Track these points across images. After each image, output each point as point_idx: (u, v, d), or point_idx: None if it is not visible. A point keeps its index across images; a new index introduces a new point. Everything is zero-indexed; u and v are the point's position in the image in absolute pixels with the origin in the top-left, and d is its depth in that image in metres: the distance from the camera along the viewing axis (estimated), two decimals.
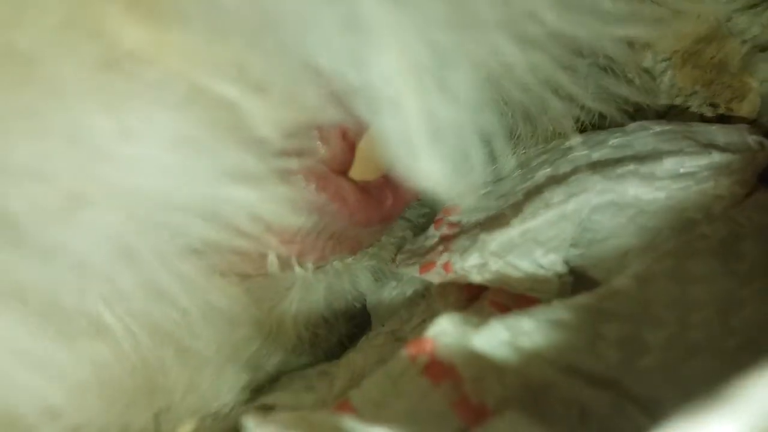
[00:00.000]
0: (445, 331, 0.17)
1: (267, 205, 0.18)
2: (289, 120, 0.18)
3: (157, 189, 0.16)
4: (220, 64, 0.16)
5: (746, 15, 0.24)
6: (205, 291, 0.18)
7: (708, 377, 0.15)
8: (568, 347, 0.16)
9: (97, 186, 0.16)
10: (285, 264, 0.22)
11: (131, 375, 0.18)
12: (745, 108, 0.23)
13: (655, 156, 0.21)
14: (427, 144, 0.17)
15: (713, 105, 0.24)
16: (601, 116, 0.24)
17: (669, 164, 0.20)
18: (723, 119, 0.24)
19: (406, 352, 0.18)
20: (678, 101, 0.25)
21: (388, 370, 0.18)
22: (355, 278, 0.25)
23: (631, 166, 0.20)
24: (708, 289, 0.17)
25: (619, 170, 0.20)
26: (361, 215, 0.22)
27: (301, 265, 0.22)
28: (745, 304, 0.16)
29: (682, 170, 0.20)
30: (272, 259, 0.21)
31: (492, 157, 0.20)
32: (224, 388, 0.21)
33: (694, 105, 0.25)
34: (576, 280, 0.20)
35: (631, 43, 0.25)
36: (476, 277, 0.21)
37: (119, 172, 0.16)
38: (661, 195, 0.20)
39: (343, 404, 0.18)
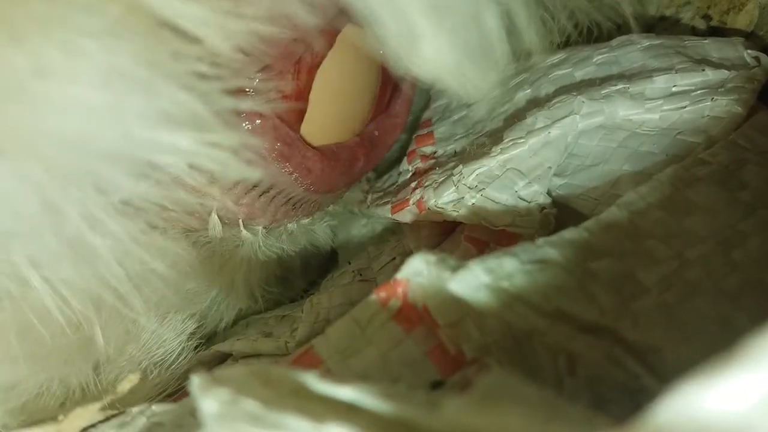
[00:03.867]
0: (419, 272, 0.15)
1: (210, 155, 0.15)
2: (241, 32, 0.15)
3: (79, 135, 0.14)
4: None
5: None
6: (139, 251, 0.16)
7: (708, 321, 0.14)
8: (555, 289, 0.14)
9: (9, 132, 0.13)
10: (231, 223, 0.20)
11: (61, 334, 0.16)
12: (742, 20, 0.22)
13: (644, 74, 0.19)
14: (428, 19, 0.15)
15: (706, 17, 0.22)
16: (589, 31, 0.22)
17: (660, 82, 0.18)
18: (715, 34, 0.22)
19: (376, 295, 0.16)
20: (669, 12, 0.23)
21: (355, 316, 0.16)
22: (313, 235, 0.23)
23: (620, 86, 0.18)
24: (708, 221, 0.15)
25: (607, 89, 0.18)
26: (325, 184, 0.20)
27: (248, 228, 0.20)
28: (747, 236, 0.15)
29: (674, 89, 0.18)
30: (214, 220, 0.19)
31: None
32: (169, 335, 0.19)
33: (686, 17, 0.23)
34: (560, 213, 0.18)
35: None
36: (452, 214, 0.19)
37: (35, 115, 0.13)
38: (654, 116, 0.18)
39: (306, 354, 0.16)
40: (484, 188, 0.18)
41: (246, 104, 0.16)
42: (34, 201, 0.14)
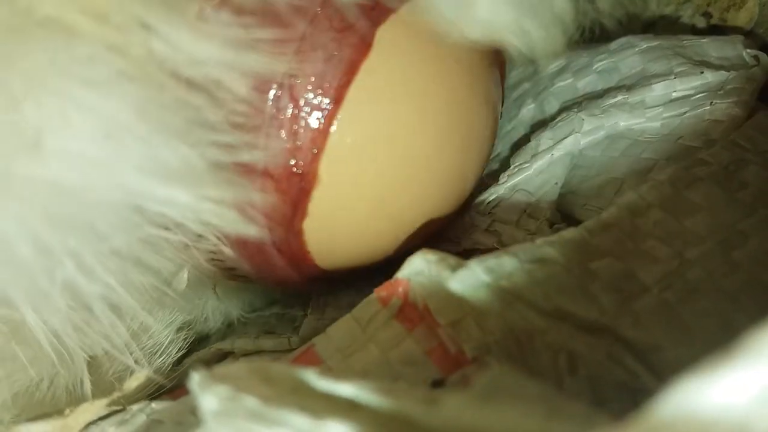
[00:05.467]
0: (420, 270, 0.15)
1: (206, 210, 0.15)
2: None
3: (75, 184, 0.14)
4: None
5: None
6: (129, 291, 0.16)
7: (709, 320, 0.14)
8: (555, 288, 0.14)
9: (8, 177, 0.14)
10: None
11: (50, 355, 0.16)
12: (742, 17, 0.22)
13: (643, 81, 0.19)
14: None
15: (706, 14, 0.22)
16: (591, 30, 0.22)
17: (659, 89, 0.19)
18: (715, 32, 0.22)
19: (377, 294, 0.16)
20: (668, 10, 0.23)
21: (356, 315, 0.16)
22: None
23: (620, 97, 0.19)
24: (708, 221, 0.15)
25: (607, 102, 0.19)
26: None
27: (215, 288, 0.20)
28: (748, 236, 0.15)
29: (674, 95, 0.19)
30: (183, 277, 0.18)
31: None
32: (157, 327, 0.19)
33: (686, 14, 0.23)
34: (566, 225, 0.18)
35: None
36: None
37: (34, 163, 0.13)
38: (655, 124, 0.18)
39: (306, 352, 0.16)
40: (493, 211, 0.19)
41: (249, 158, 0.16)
42: (29, 244, 0.14)
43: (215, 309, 0.21)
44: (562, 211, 0.19)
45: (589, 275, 0.15)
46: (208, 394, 0.12)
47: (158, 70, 0.14)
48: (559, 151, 0.19)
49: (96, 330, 0.16)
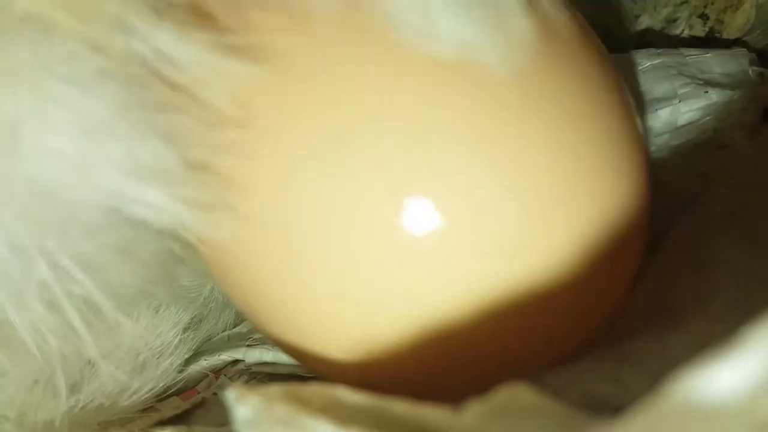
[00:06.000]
0: None
1: (181, 210, 0.15)
2: None
3: (51, 182, 0.14)
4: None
5: None
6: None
7: None
8: None
9: None
10: None
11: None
12: (738, 20, 0.22)
13: (649, 107, 0.19)
14: None
15: (703, 16, 0.23)
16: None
17: (665, 116, 0.19)
18: (712, 32, 0.23)
19: None
20: (666, 12, 0.23)
21: None
22: None
23: None
24: (724, 270, 0.15)
25: None
26: None
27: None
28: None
29: (680, 121, 0.19)
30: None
31: None
32: (164, 326, 0.20)
33: (683, 15, 0.23)
34: None
35: None
36: None
37: (7, 160, 0.13)
38: (662, 155, 0.19)
39: None
40: None
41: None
42: (3, 244, 0.14)
43: (217, 304, 0.22)
44: None
45: None
46: (243, 405, 0.12)
47: (139, 69, 0.14)
48: None
49: (90, 331, 0.16)
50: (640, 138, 0.15)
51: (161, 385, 0.19)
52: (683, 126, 0.19)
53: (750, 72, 0.20)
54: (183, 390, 0.20)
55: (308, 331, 0.15)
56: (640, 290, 0.15)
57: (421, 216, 0.13)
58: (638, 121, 0.15)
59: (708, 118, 0.19)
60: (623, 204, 0.13)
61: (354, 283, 0.13)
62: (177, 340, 0.20)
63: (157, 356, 0.20)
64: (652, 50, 0.21)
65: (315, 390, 0.13)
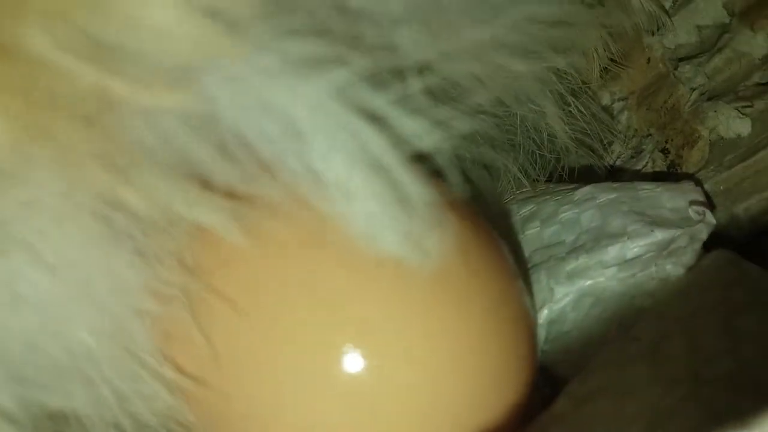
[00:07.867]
0: None
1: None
2: None
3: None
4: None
5: (690, 64, 0.24)
6: None
7: None
8: None
9: None
10: None
11: None
12: (695, 156, 0.24)
13: (600, 243, 0.22)
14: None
15: (665, 151, 0.25)
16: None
17: (613, 252, 0.22)
18: (673, 166, 0.25)
19: None
20: (634, 142, 0.26)
21: None
22: None
23: (581, 260, 0.22)
24: (639, 402, 0.18)
25: (571, 266, 0.22)
26: None
27: None
28: (673, 414, 0.18)
29: (628, 255, 0.22)
30: None
31: None
32: None
33: (648, 148, 0.25)
34: (544, 379, 0.21)
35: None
36: None
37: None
38: (612, 284, 0.21)
39: None
40: None
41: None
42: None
43: None
44: (542, 366, 0.21)
45: None
46: None
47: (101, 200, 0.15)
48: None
49: None
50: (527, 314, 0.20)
51: None
52: (630, 260, 0.21)
53: (691, 212, 0.22)
54: None
55: None
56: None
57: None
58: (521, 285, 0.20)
59: (652, 254, 0.21)
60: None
61: None
62: None
63: None
64: (609, 184, 0.24)
65: None
